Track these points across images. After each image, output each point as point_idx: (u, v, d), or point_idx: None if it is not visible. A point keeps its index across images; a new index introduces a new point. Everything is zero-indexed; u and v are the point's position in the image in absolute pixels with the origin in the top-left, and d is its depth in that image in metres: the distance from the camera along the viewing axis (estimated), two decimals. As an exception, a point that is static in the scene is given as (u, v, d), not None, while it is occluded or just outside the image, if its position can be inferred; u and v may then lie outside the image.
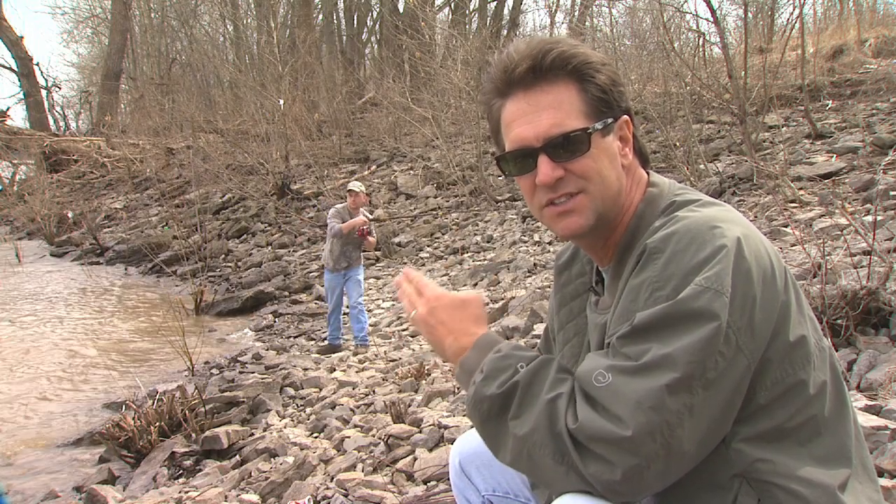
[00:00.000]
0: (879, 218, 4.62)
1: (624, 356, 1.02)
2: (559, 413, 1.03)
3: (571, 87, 1.15)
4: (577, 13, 21.97)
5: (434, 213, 11.82)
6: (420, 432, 3.67)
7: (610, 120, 1.16)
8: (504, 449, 1.09)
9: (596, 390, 1.01)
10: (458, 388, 4.38)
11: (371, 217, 6.95)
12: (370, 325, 7.30)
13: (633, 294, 1.06)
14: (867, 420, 2.33)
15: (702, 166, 8.69)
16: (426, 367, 5.02)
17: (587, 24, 20.02)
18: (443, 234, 10.97)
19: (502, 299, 6.57)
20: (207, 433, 4.53)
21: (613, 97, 1.17)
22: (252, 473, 3.80)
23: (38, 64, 32.92)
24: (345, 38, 25.55)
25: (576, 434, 1.00)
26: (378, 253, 10.66)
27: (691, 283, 1.00)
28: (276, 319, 8.77)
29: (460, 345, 1.21)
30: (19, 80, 29.06)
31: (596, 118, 1.15)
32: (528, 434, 1.04)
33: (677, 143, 9.43)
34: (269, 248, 12.43)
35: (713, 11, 9.09)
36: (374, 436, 3.89)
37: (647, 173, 1.25)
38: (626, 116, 1.19)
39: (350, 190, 6.87)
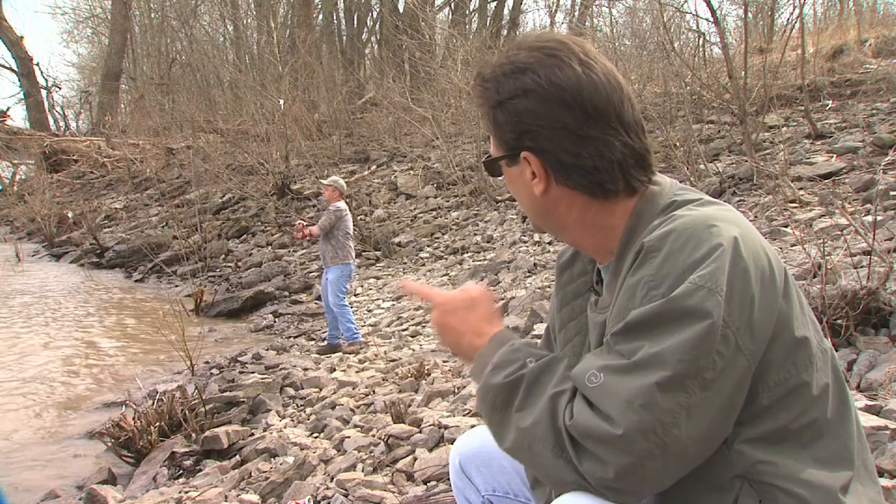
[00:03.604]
0: (879, 218, 4.62)
1: (617, 354, 1.03)
2: (560, 409, 1.04)
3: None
4: (577, 13, 21.98)
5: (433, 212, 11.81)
6: (420, 432, 3.67)
7: (510, 154, 1.21)
8: (506, 439, 1.11)
9: (589, 391, 1.02)
10: (457, 389, 4.39)
11: (305, 223, 7.05)
12: (370, 325, 7.30)
13: (630, 292, 1.06)
14: (867, 420, 2.33)
15: (702, 166, 8.69)
16: (426, 367, 5.02)
17: (587, 24, 20.03)
18: (443, 234, 10.97)
19: (502, 299, 6.57)
20: (207, 433, 4.52)
21: (504, 136, 1.20)
22: (252, 473, 3.80)
23: (38, 64, 33.02)
24: (345, 38, 25.54)
25: (571, 430, 1.01)
26: (378, 253, 10.68)
27: (685, 282, 1.00)
28: (276, 319, 8.77)
29: (476, 344, 1.24)
30: (19, 80, 29.10)
31: (500, 150, 1.22)
32: (530, 427, 1.06)
33: (677, 143, 9.43)
34: (269, 248, 12.43)
35: (713, 11, 9.10)
36: (374, 436, 3.89)
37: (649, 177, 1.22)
38: (524, 153, 1.18)
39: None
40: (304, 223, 6.97)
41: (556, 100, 1.13)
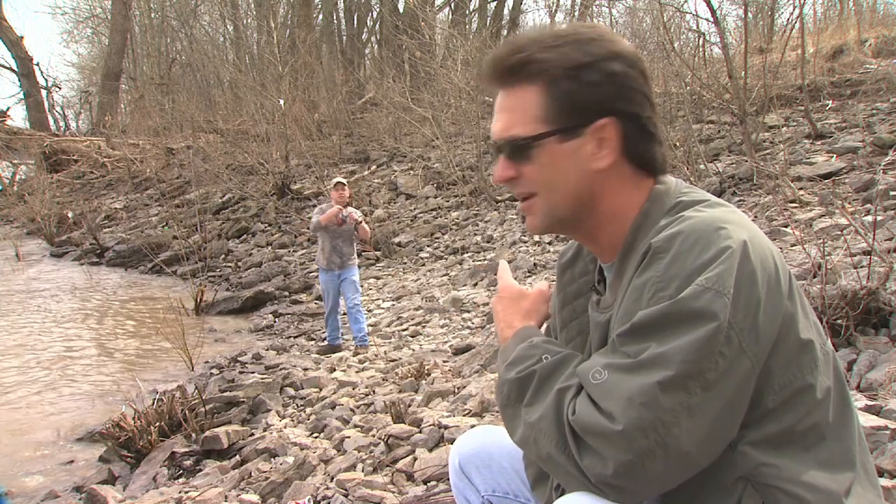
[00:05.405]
0: (879, 218, 4.62)
1: (623, 354, 1.03)
2: (564, 403, 1.05)
3: (535, 91, 1.14)
4: (577, 13, 21.98)
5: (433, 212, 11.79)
6: (420, 432, 3.67)
7: (575, 125, 1.13)
8: (516, 432, 1.13)
9: (592, 387, 1.03)
10: (457, 389, 4.39)
11: (358, 219, 6.76)
12: (370, 326, 7.30)
13: (637, 293, 1.06)
14: (867, 420, 2.33)
15: (702, 166, 8.68)
16: (426, 367, 5.02)
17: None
18: (443, 234, 10.97)
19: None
20: (207, 433, 4.52)
21: (584, 101, 1.13)
22: (252, 473, 3.80)
23: (38, 64, 32.95)
24: (345, 38, 25.54)
25: (573, 425, 1.02)
26: (378, 253, 10.67)
27: (693, 284, 1.00)
28: (276, 319, 8.77)
29: (505, 335, 1.29)
30: (19, 80, 29.05)
31: (558, 123, 1.13)
32: (535, 421, 1.07)
33: (677, 143, 9.42)
34: (269, 248, 12.43)
35: (713, 11, 9.10)
36: (374, 436, 3.89)
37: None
38: (605, 119, 1.13)
39: (338, 182, 6.88)
40: (344, 216, 6.65)
41: (637, 67, 1.16)
